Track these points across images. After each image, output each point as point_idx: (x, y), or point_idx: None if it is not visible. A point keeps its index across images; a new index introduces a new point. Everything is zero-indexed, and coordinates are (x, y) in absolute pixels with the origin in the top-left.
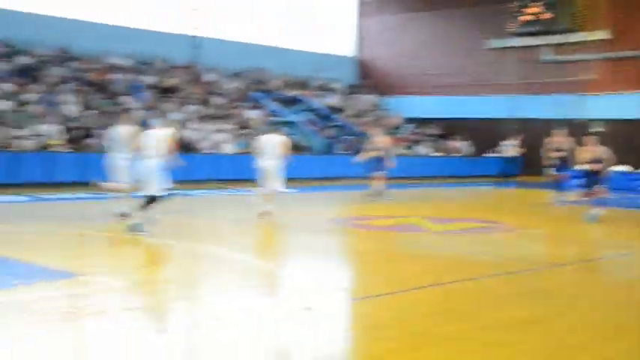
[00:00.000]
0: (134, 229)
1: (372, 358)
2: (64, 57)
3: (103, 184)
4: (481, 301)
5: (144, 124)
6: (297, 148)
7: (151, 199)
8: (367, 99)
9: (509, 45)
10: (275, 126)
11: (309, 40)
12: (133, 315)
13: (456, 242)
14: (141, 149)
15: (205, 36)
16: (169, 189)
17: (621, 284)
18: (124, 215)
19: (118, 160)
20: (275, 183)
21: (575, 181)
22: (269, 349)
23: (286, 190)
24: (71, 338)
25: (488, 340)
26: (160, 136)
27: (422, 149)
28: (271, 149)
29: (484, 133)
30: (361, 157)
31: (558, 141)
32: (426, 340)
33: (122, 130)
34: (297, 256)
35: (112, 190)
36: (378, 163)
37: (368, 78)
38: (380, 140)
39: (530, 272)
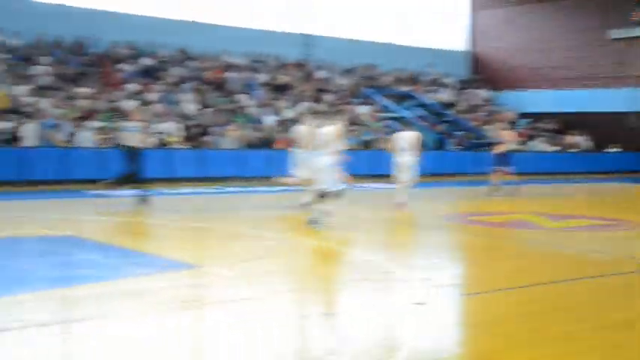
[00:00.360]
0: (311, 222)
1: (487, 354)
2: (184, 57)
3: (283, 178)
4: (597, 301)
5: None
6: None
7: (324, 194)
8: (480, 94)
9: (632, 35)
10: (406, 123)
11: (420, 36)
12: (247, 305)
13: (571, 240)
14: (315, 146)
15: (317, 34)
16: (342, 184)
17: None
18: (304, 205)
19: (298, 156)
20: (408, 177)
21: None
22: (380, 342)
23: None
24: (191, 326)
25: (603, 341)
26: (329, 133)
27: (538, 145)
28: (406, 145)
29: (604, 128)
30: (496, 151)
31: None
32: (540, 338)
33: (302, 129)
34: (408, 251)
35: (291, 184)
36: (504, 158)
37: (481, 72)
38: (507, 135)
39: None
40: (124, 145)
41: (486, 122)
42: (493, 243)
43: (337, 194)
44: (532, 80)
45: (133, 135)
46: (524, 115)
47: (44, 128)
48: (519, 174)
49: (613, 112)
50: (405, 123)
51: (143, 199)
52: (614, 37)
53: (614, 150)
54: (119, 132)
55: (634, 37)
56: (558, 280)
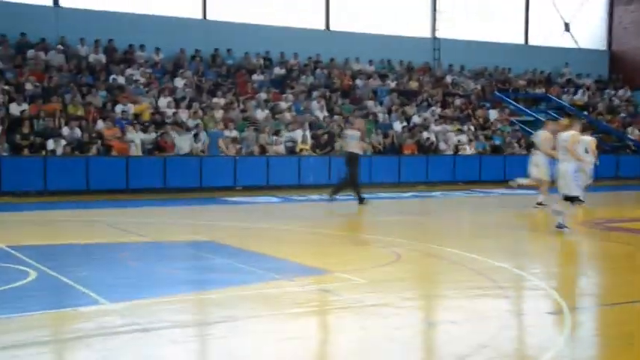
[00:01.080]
0: (558, 226)
1: None
2: (313, 66)
3: (520, 180)
4: None
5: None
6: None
7: (569, 199)
8: (618, 94)
9: None
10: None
11: (554, 35)
12: (371, 310)
13: None
14: (556, 152)
15: (445, 37)
16: (581, 189)
17: None
18: (540, 205)
19: (539, 159)
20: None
21: None
22: (510, 351)
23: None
24: (321, 330)
25: None
26: (568, 139)
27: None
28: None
29: None
30: None
31: None
32: None
33: (541, 134)
34: (537, 258)
35: (526, 185)
36: None
37: (619, 71)
38: None
39: None
40: (345, 152)
41: (626, 124)
42: (629, 250)
43: (578, 199)
44: None
45: (352, 142)
46: None
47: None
48: None
49: None
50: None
51: (361, 201)
52: None
53: None
54: (341, 140)
55: None
56: None
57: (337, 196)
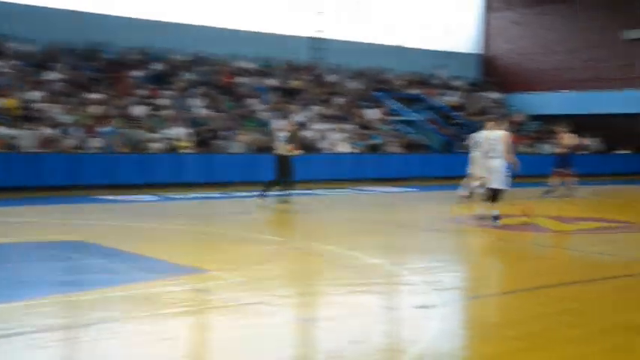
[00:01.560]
0: (495, 217)
1: (493, 357)
2: (194, 62)
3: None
4: (601, 304)
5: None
6: (417, 146)
7: (495, 193)
8: (489, 96)
9: None
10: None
11: (430, 38)
12: (246, 309)
13: (578, 242)
14: (487, 149)
15: (327, 37)
16: (508, 185)
17: None
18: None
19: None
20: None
21: None
22: (384, 346)
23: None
24: (195, 330)
25: (607, 344)
26: (498, 138)
27: (547, 147)
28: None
29: (617, 130)
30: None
31: None
32: (543, 341)
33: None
34: (414, 254)
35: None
36: (565, 160)
37: (492, 75)
38: (566, 138)
39: None
40: (275, 153)
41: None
42: (498, 245)
43: (502, 194)
44: (542, 82)
45: (282, 143)
46: (534, 118)
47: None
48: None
49: (625, 114)
50: (414, 126)
51: (285, 200)
52: (627, 37)
53: (625, 152)
54: (272, 140)
55: None
56: (563, 284)
57: (269, 194)
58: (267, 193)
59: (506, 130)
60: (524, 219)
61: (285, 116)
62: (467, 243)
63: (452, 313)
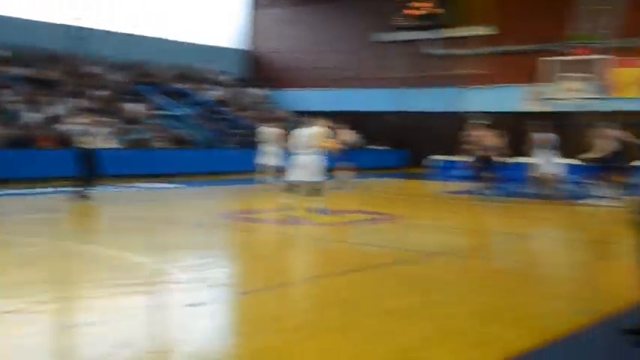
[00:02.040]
0: (323, 212)
1: (263, 352)
2: None
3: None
4: (366, 292)
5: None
6: (184, 142)
7: (315, 187)
8: (256, 92)
9: (396, 38)
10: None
11: (198, 33)
12: (5, 318)
13: (341, 234)
14: (300, 145)
15: (88, 26)
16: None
17: (499, 271)
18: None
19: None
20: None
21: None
22: (151, 348)
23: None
24: None
25: (372, 329)
26: (313, 134)
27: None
28: (306, 142)
29: (372, 126)
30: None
31: (478, 135)
32: (313, 331)
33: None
34: (182, 251)
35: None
36: (343, 155)
37: (259, 71)
38: (344, 135)
39: (415, 262)
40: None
41: (262, 120)
42: (267, 240)
43: (320, 188)
44: (307, 80)
45: (89, 138)
46: (299, 114)
47: None
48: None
49: (379, 112)
50: (181, 121)
51: (84, 196)
52: (381, 39)
53: (379, 147)
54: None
55: (398, 41)
56: (329, 275)
57: (85, 192)
58: (83, 189)
59: (322, 126)
60: (288, 212)
61: (38, 109)
62: (237, 238)
63: (223, 310)
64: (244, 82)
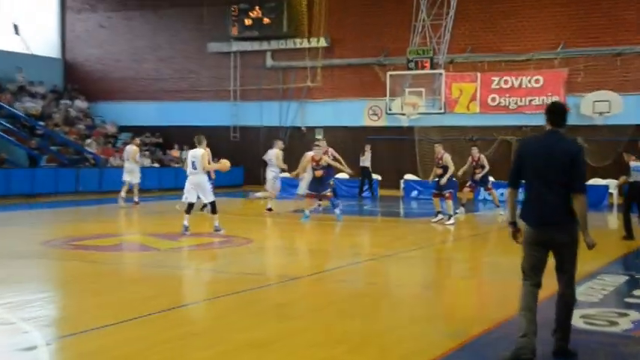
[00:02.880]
0: (216, 229)
1: None
2: None
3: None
4: (219, 324)
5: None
6: None
7: (212, 205)
8: (75, 105)
9: (230, 49)
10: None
11: (4, 39)
12: None
13: (186, 259)
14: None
15: None
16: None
17: (351, 294)
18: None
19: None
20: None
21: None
22: None
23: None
24: None
25: None
26: (198, 155)
27: (142, 160)
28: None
29: (209, 142)
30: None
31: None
32: None
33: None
34: (13, 287)
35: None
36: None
37: (77, 82)
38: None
39: (268, 288)
40: None
41: (84, 136)
42: (103, 270)
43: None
44: (133, 91)
45: None
46: (124, 129)
47: None
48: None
49: (214, 126)
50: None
51: None
52: (214, 50)
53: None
54: None
55: (232, 52)
56: (179, 305)
57: None
58: None
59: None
60: (124, 237)
61: None
62: (66, 269)
63: (60, 352)
64: (61, 93)
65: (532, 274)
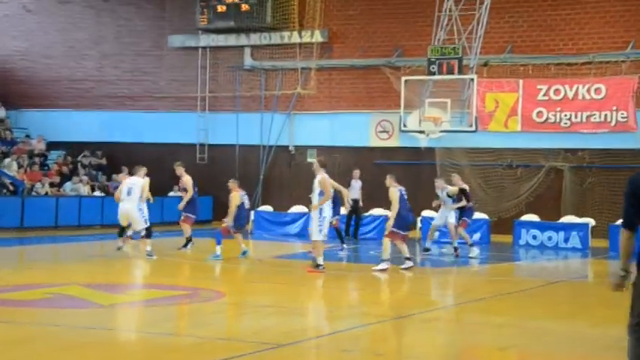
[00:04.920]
0: (149, 254)
1: None
2: None
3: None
4: None
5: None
6: None
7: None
8: None
9: (198, 44)
10: None
11: None
12: None
13: (136, 319)
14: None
15: None
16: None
17: None
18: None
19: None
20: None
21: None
22: None
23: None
24: None
25: None
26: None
27: (76, 187)
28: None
29: (169, 163)
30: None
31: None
32: None
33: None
34: None
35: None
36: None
37: None
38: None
39: (243, 358)
40: None
41: (2, 155)
42: (23, 334)
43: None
44: (68, 97)
45: None
46: (55, 145)
47: None
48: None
49: (178, 144)
50: None
51: None
52: (173, 45)
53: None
54: None
55: (200, 47)
56: None
57: None
58: None
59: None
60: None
61: None
62: None
63: None
64: None
65: None
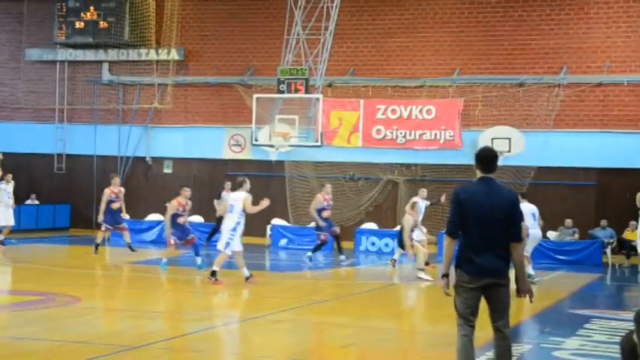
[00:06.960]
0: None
1: None
2: None
3: None
4: None
5: None
6: None
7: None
8: None
9: (56, 58)
10: None
11: None
12: None
13: None
14: None
15: None
16: None
17: None
18: None
19: None
20: None
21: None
22: None
23: None
24: None
25: None
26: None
27: None
28: None
29: (25, 172)
30: None
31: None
32: None
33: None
34: None
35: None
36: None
37: None
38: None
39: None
40: None
41: None
42: None
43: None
44: None
45: None
46: None
47: None
48: None
49: (35, 154)
50: None
51: None
52: (30, 58)
53: (34, 202)
54: None
55: (58, 61)
56: None
57: None
58: None
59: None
60: None
61: None
62: None
63: None
64: None
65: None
